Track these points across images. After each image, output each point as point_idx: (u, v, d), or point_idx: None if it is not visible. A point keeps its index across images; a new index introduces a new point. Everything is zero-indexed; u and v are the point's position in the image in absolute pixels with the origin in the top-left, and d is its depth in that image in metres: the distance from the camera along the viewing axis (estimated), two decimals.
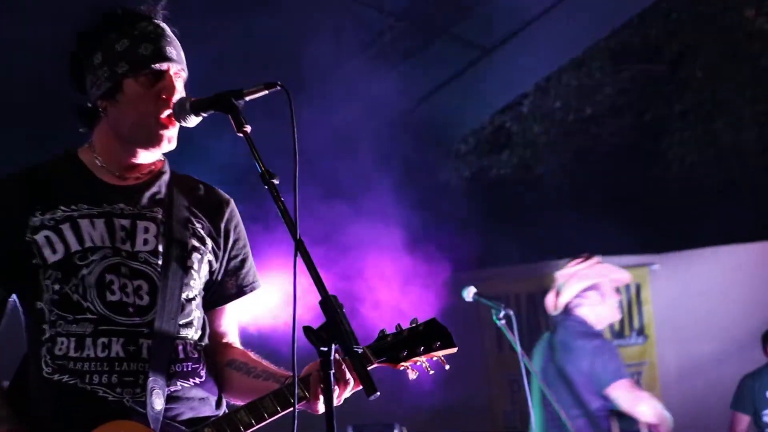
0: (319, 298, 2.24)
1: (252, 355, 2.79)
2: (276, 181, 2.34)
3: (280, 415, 2.53)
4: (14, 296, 2.64)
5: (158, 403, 2.51)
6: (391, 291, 7.03)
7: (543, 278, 8.92)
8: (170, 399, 2.57)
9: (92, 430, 2.47)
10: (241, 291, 2.82)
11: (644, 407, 5.37)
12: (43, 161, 2.71)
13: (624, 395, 5.37)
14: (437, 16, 7.57)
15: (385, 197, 7.08)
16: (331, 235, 6.65)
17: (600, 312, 5.67)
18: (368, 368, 2.50)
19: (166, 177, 2.75)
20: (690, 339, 8.26)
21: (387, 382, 3.12)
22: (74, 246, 2.56)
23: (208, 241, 2.72)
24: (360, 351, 2.25)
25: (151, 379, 2.51)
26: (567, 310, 5.66)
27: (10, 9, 5.74)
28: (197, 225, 2.71)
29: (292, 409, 2.41)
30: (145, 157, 2.68)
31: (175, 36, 2.69)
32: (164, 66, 2.61)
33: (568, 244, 9.60)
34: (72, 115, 2.71)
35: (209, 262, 2.72)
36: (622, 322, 8.28)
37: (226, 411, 2.70)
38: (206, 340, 2.73)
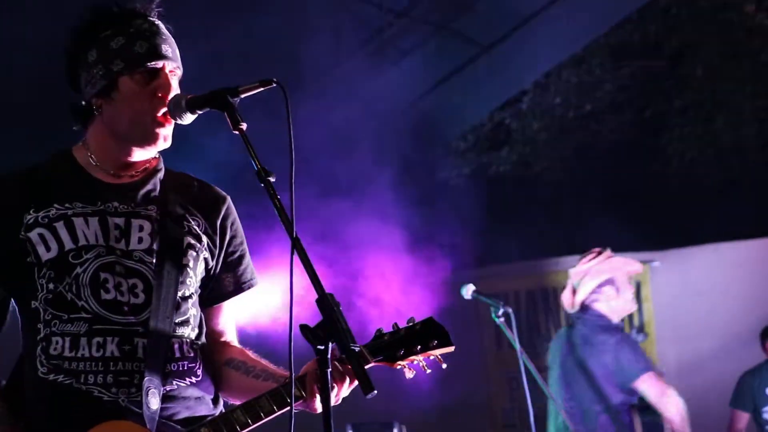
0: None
1: (250, 353, 2.78)
2: (272, 179, 2.34)
3: (276, 414, 2.52)
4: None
5: (154, 402, 2.50)
6: (391, 289, 7.02)
7: (543, 276, 8.93)
8: (166, 398, 2.55)
9: (87, 431, 2.46)
10: (238, 288, 2.81)
11: (671, 400, 5.38)
12: (37, 160, 2.70)
13: (652, 387, 5.39)
14: (436, 12, 7.56)
15: (385, 195, 7.07)
16: (330, 233, 6.64)
17: (616, 305, 5.68)
18: (365, 367, 2.48)
19: (160, 175, 2.74)
20: (690, 336, 8.26)
21: (386, 381, 3.10)
22: (68, 244, 2.55)
23: (204, 239, 2.71)
24: (357, 349, 2.23)
25: (146, 378, 2.50)
26: (584, 307, 5.67)
27: (10, 9, 5.74)
28: (193, 222, 2.70)
29: (288, 408, 2.39)
30: (140, 155, 2.68)
31: (170, 33, 2.68)
32: (160, 64, 2.61)
33: (568, 242, 9.61)
34: (69, 114, 2.70)
35: (205, 259, 2.71)
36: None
37: (223, 410, 2.69)
38: (203, 339, 2.72)
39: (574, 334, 5.66)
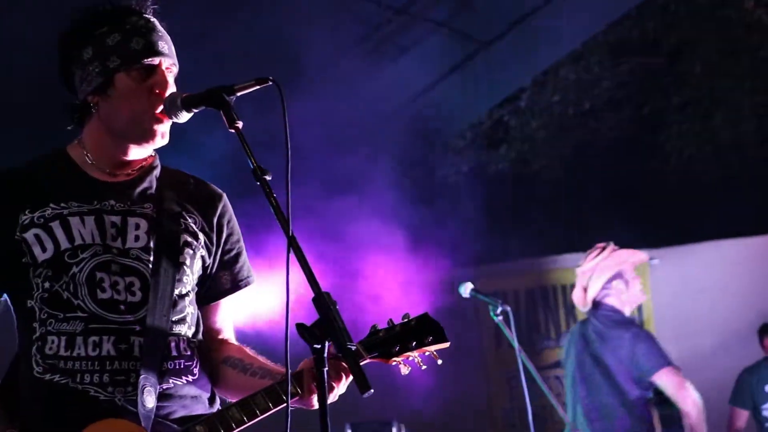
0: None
1: (248, 351, 2.77)
2: (268, 178, 2.33)
3: (272, 411, 2.52)
4: (5, 295, 2.62)
5: (150, 401, 2.49)
6: (389, 287, 7.02)
7: (542, 274, 8.92)
8: (162, 397, 2.55)
9: (83, 430, 2.45)
10: (236, 286, 2.80)
11: (688, 394, 5.39)
12: (32, 160, 2.69)
13: (670, 382, 5.41)
14: (435, 9, 7.55)
15: (383, 193, 7.07)
16: (328, 231, 6.64)
17: (627, 298, 5.73)
18: (360, 363, 2.48)
19: (156, 172, 2.73)
20: (689, 334, 8.25)
21: (385, 380, 3.10)
22: (64, 244, 2.54)
23: (201, 236, 2.70)
24: (353, 348, 2.23)
25: (142, 376, 2.49)
26: (596, 303, 5.70)
27: (10, 9, 5.73)
28: (189, 220, 2.69)
29: (284, 406, 2.38)
30: (137, 153, 2.67)
31: (165, 30, 2.67)
32: (156, 60, 2.60)
33: (567, 239, 9.61)
34: (63, 113, 2.69)
35: (202, 257, 2.70)
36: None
37: (219, 408, 2.68)
38: (200, 337, 2.71)
39: (587, 330, 5.68)
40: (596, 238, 6.25)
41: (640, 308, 8.46)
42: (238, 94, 2.45)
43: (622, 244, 6.90)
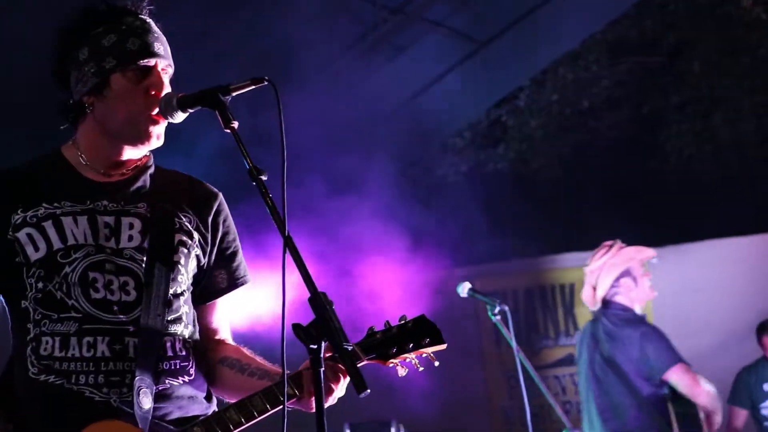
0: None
1: (246, 351, 2.77)
2: (264, 178, 2.33)
3: (269, 413, 2.52)
4: (0, 296, 2.62)
5: (146, 402, 2.49)
6: (388, 286, 7.02)
7: (541, 273, 8.91)
8: (158, 397, 2.54)
9: (79, 431, 2.44)
10: (232, 285, 2.80)
11: (702, 390, 5.39)
12: (25, 160, 2.69)
13: (682, 380, 5.41)
14: (431, 9, 7.54)
15: (381, 193, 7.07)
16: (327, 231, 6.63)
17: (636, 295, 5.73)
18: (358, 365, 2.47)
19: (151, 172, 2.73)
20: (689, 333, 8.23)
21: (384, 380, 3.10)
22: (57, 244, 2.54)
23: (196, 235, 2.69)
24: (350, 348, 2.23)
25: (138, 378, 2.48)
26: (606, 302, 5.70)
27: (10, 9, 5.73)
28: (184, 219, 2.69)
29: (281, 407, 2.38)
30: (132, 153, 2.67)
31: (161, 31, 2.67)
32: (152, 61, 2.60)
33: (566, 239, 9.60)
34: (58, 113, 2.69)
35: (197, 256, 2.69)
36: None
37: (216, 409, 2.67)
38: (196, 336, 2.71)
39: (597, 329, 5.69)
40: (595, 237, 6.25)
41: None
42: (234, 94, 2.45)
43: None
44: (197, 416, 2.60)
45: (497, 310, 4.90)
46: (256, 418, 2.52)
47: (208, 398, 2.69)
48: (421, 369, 2.65)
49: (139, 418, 2.47)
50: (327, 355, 2.35)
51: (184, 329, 2.65)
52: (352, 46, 7.47)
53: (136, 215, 2.63)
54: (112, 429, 2.46)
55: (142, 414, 2.48)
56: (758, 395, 6.99)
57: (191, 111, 2.55)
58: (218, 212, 2.77)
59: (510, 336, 4.85)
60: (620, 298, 5.68)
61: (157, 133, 2.61)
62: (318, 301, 2.22)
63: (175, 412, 2.58)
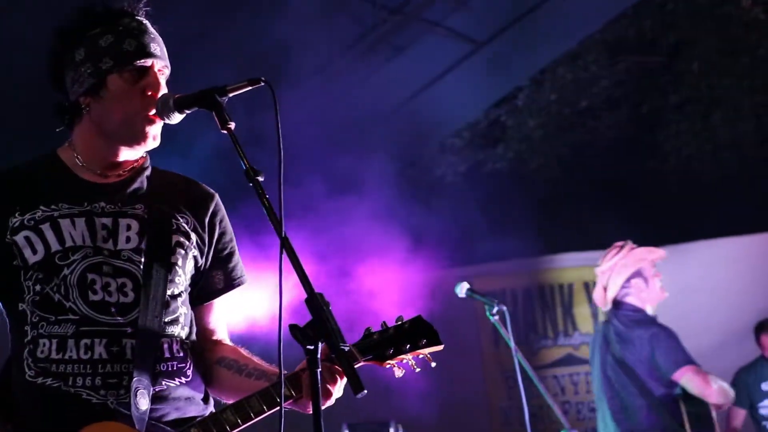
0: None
1: (243, 352, 2.77)
2: (261, 179, 2.33)
3: (266, 414, 2.52)
4: None
5: (143, 403, 2.49)
6: (386, 286, 7.02)
7: (539, 273, 8.91)
8: (156, 399, 2.54)
9: None
10: (229, 285, 2.80)
11: (713, 389, 5.38)
12: (22, 162, 2.69)
13: (693, 380, 5.40)
14: (430, 9, 7.54)
15: (380, 192, 7.07)
16: (325, 231, 6.63)
17: (647, 296, 5.73)
18: (355, 366, 2.48)
19: (147, 173, 2.73)
20: (688, 333, 8.21)
21: (382, 380, 3.09)
22: (54, 246, 2.54)
23: (193, 236, 2.69)
24: (347, 349, 2.22)
25: (135, 379, 2.48)
26: (617, 303, 5.70)
27: (10, 9, 5.73)
28: (181, 220, 2.69)
29: (278, 408, 2.38)
30: (128, 154, 2.67)
31: (159, 32, 2.68)
32: (149, 62, 2.61)
33: (565, 239, 9.60)
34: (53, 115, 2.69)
35: (194, 257, 2.70)
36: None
37: (213, 410, 2.67)
38: (193, 338, 2.71)
39: (608, 330, 5.69)
40: (594, 237, 6.26)
41: None
42: (231, 95, 2.45)
43: None
44: (194, 417, 2.60)
45: (495, 310, 4.89)
46: (253, 419, 2.51)
47: (206, 399, 2.69)
48: (417, 370, 2.65)
49: (136, 419, 2.47)
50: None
51: (182, 330, 2.65)
52: (352, 47, 7.47)
53: (134, 217, 2.62)
54: (109, 431, 2.46)
55: (139, 415, 2.48)
56: (757, 395, 6.99)
57: (188, 112, 2.55)
58: (215, 213, 2.77)
59: (508, 336, 4.84)
60: (631, 299, 5.67)
61: (154, 134, 2.61)
62: (315, 301, 2.22)
63: (172, 413, 2.58)
